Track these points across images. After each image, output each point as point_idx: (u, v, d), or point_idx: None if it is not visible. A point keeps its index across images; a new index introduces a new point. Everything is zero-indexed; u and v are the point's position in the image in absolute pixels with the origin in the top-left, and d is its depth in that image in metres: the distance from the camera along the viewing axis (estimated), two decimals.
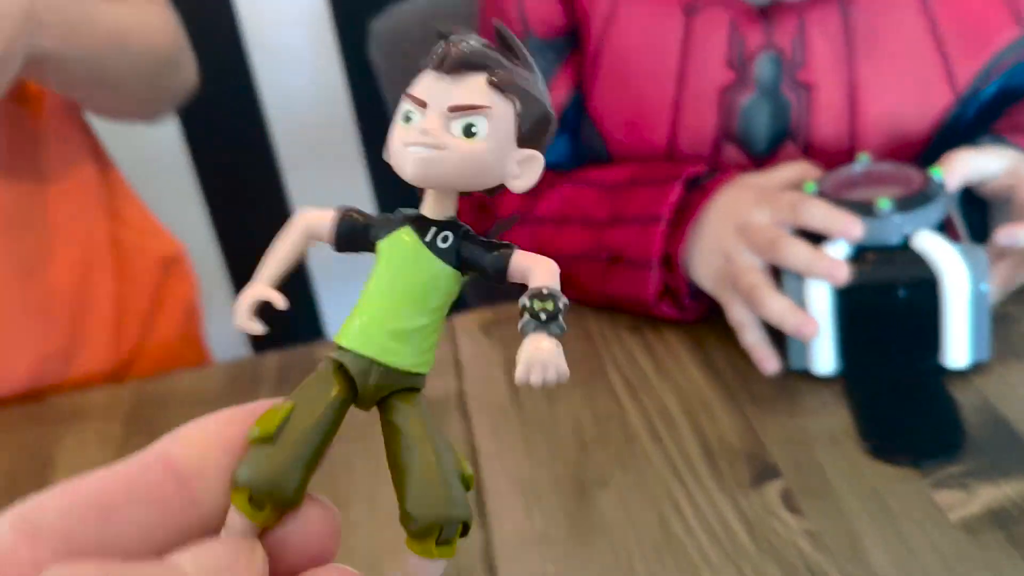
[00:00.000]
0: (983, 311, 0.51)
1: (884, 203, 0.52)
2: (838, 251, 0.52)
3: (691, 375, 0.55)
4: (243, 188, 1.27)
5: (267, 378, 0.62)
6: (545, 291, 0.21)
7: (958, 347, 0.52)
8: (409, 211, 0.23)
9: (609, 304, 0.62)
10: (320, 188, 1.25)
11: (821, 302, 0.52)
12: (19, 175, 0.66)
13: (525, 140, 0.22)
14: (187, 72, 0.72)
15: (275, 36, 1.19)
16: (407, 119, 0.21)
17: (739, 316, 0.55)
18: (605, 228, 0.62)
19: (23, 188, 0.65)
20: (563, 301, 0.21)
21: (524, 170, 0.22)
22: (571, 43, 0.69)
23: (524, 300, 0.21)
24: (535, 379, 0.20)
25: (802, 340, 0.53)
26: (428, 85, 0.21)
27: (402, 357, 0.22)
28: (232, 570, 0.18)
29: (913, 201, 0.53)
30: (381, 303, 0.22)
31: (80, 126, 0.72)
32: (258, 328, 0.22)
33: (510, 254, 0.22)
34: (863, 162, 0.57)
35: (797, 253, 0.52)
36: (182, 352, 0.75)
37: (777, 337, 0.54)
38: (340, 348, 0.22)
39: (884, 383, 0.53)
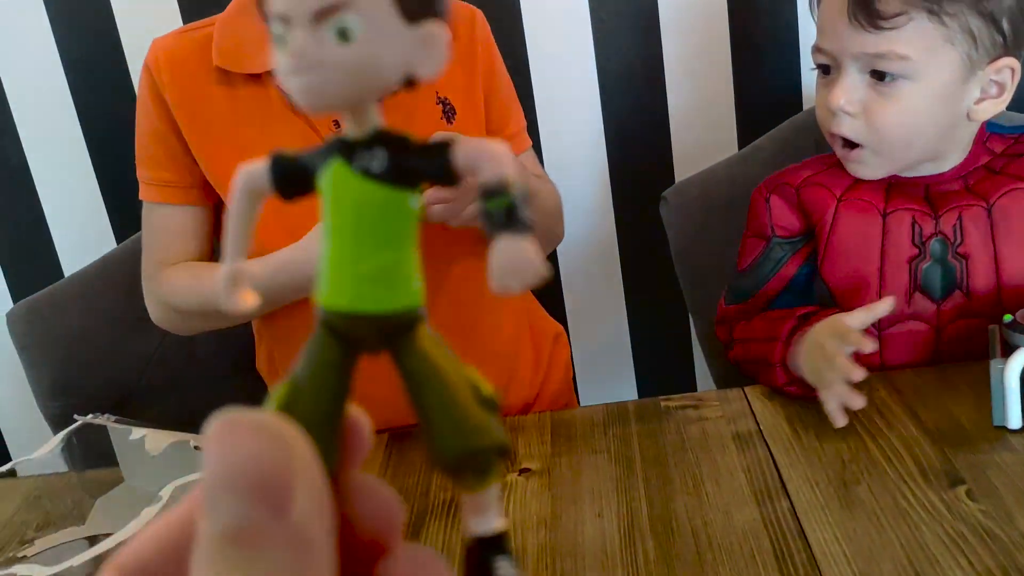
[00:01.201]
0: None
1: None
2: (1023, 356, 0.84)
3: (908, 426, 0.89)
4: None
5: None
6: (494, 185, 0.19)
7: None
8: (332, 137, 0.21)
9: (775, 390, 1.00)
10: None
11: (1014, 388, 0.84)
12: (478, 267, 1.09)
13: (413, 13, 0.19)
14: (562, 228, 1.15)
15: None
16: (281, 42, 0.19)
17: (824, 395, 0.90)
18: (763, 343, 1.00)
19: (480, 276, 1.09)
20: (516, 188, 0.19)
21: (428, 50, 0.19)
22: (804, 240, 1.08)
23: (480, 202, 0.19)
24: (515, 286, 0.19)
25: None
26: None
27: (381, 301, 0.20)
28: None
29: None
30: (340, 249, 0.20)
31: None
32: (252, 300, 0.22)
33: (450, 150, 0.20)
34: None
35: (837, 362, 0.88)
36: (562, 393, 1.16)
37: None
38: (324, 309, 0.20)
39: None
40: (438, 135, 0.20)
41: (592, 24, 1.44)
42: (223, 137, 1.02)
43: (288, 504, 0.17)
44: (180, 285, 1.05)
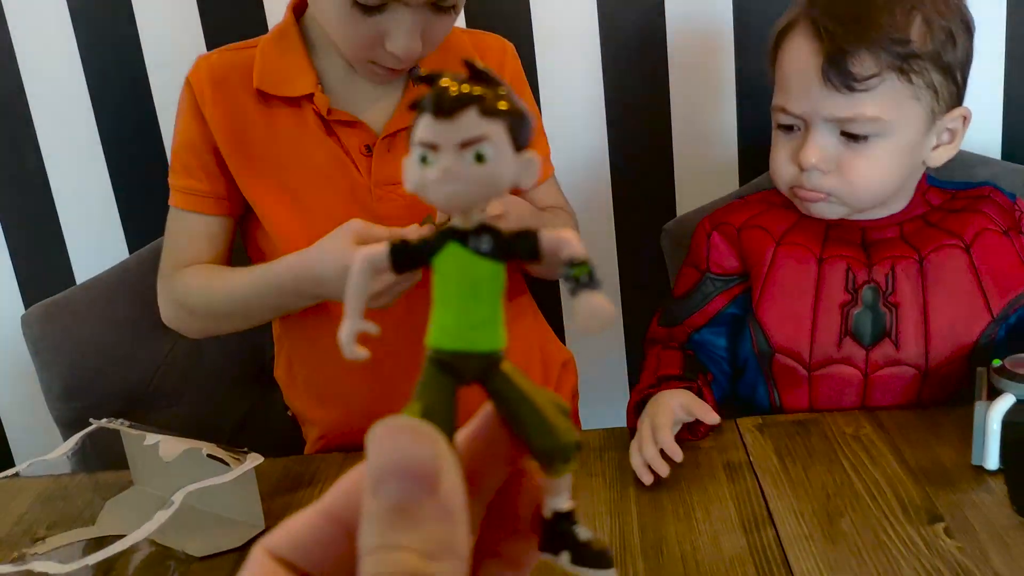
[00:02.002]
0: None
1: None
2: (1008, 401, 0.87)
3: (893, 465, 0.92)
4: None
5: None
6: (578, 259, 0.26)
7: None
8: (444, 228, 0.27)
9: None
10: None
11: (994, 431, 0.88)
12: None
13: (519, 146, 0.27)
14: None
15: None
16: (423, 160, 0.26)
17: (639, 452, 0.94)
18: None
19: None
20: (591, 261, 0.26)
21: (526, 171, 0.27)
22: (738, 280, 1.12)
23: (565, 271, 0.26)
24: (596, 330, 0.25)
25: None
26: (433, 128, 0.26)
27: (485, 342, 0.26)
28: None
29: None
30: (455, 306, 0.27)
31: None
32: (364, 353, 0.28)
33: (537, 236, 0.27)
34: None
35: (662, 436, 0.94)
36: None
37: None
38: (435, 349, 0.27)
39: None
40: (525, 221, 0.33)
41: (602, 58, 1.49)
42: (260, 155, 1.07)
43: (437, 485, 0.23)
44: (193, 285, 1.09)
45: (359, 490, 0.25)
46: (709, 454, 0.98)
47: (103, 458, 1.15)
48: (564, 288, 0.28)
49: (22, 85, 1.55)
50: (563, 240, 0.27)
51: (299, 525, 0.26)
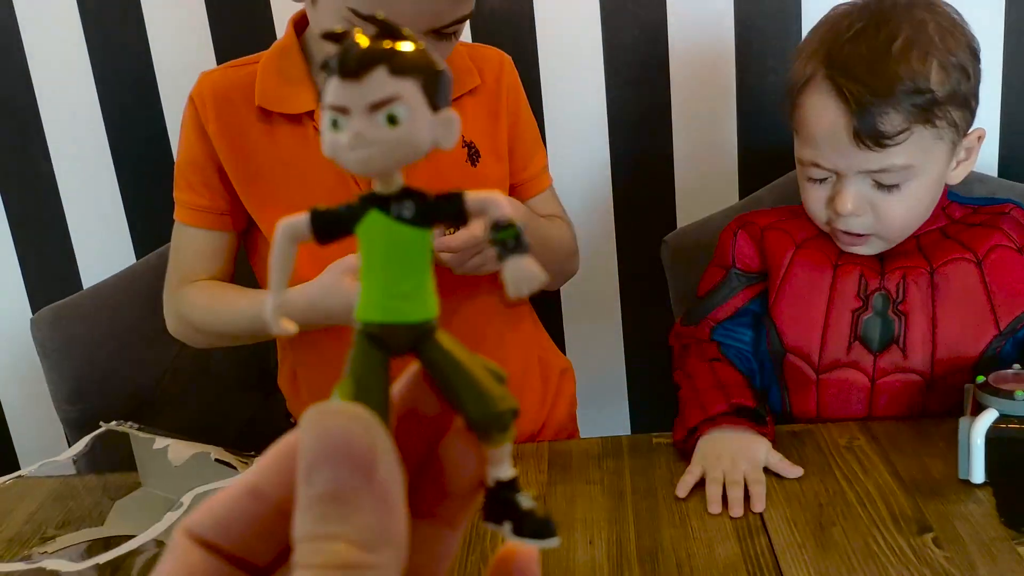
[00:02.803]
0: None
1: (1020, 393, 0.90)
2: (991, 416, 0.90)
3: (884, 476, 0.95)
4: None
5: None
6: (503, 222, 0.26)
7: None
8: (366, 195, 0.26)
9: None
10: None
11: (978, 445, 0.90)
12: (482, 307, 1.14)
13: (436, 105, 0.25)
14: (576, 263, 1.20)
15: None
16: (334, 124, 0.25)
17: (718, 487, 0.94)
18: (695, 397, 1.07)
19: (493, 312, 1.14)
20: (518, 223, 0.26)
21: (446, 131, 0.26)
22: (760, 278, 1.16)
23: (491, 235, 0.26)
24: (525, 292, 0.25)
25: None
26: (341, 91, 0.25)
27: (415, 312, 0.26)
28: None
29: None
30: (380, 276, 0.26)
31: None
32: (293, 328, 0.27)
33: (463, 197, 0.26)
34: (1015, 368, 0.95)
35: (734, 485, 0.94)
36: (566, 427, 1.22)
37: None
38: (363, 322, 0.26)
39: (1013, 491, 0.90)
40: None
41: (605, 71, 1.51)
42: (262, 172, 1.09)
43: (373, 472, 0.22)
44: (199, 304, 1.12)
45: (282, 464, 0.24)
46: None
47: (111, 460, 1.17)
48: (494, 253, 0.26)
49: (33, 91, 1.57)
50: (490, 200, 0.26)
51: (220, 503, 0.25)
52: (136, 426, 1.00)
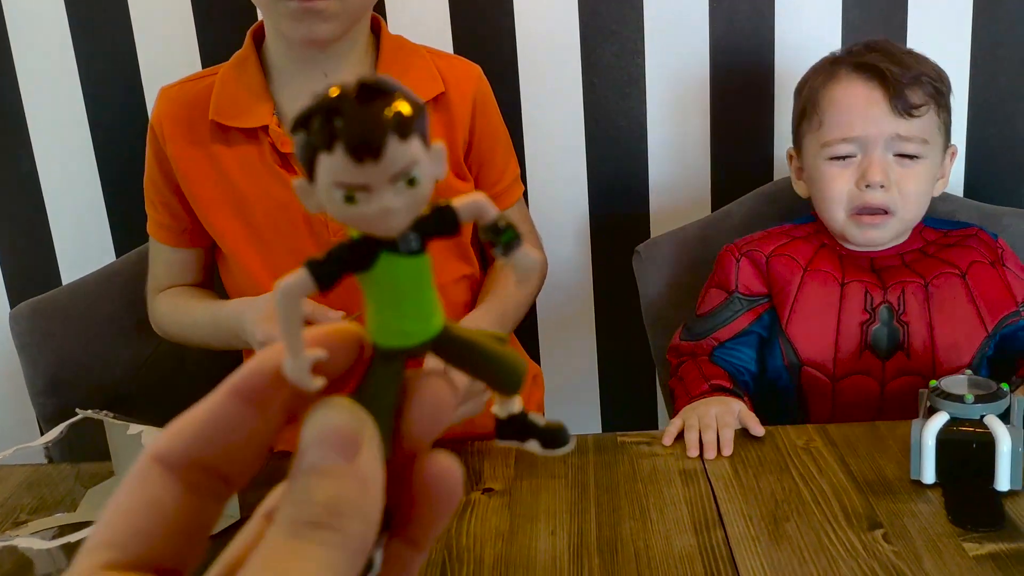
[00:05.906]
0: (1018, 461, 0.91)
1: (969, 397, 0.94)
2: (942, 419, 0.93)
3: (839, 476, 0.98)
4: None
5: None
6: (499, 224, 0.27)
7: (1002, 479, 0.92)
8: (365, 239, 0.26)
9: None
10: None
11: (929, 446, 0.93)
12: (461, 313, 1.16)
13: (427, 142, 0.25)
14: (544, 275, 1.23)
15: None
16: (350, 199, 0.24)
17: (695, 433, 1.06)
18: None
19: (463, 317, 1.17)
20: (512, 222, 0.27)
21: (440, 164, 0.26)
22: (761, 301, 1.25)
23: (488, 237, 0.27)
24: (532, 276, 0.35)
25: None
26: (357, 171, 0.24)
27: (432, 327, 0.27)
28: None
29: (987, 397, 0.94)
30: (397, 308, 0.27)
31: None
32: (321, 383, 0.26)
33: (452, 209, 0.27)
34: (967, 373, 0.98)
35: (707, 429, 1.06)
36: None
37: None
38: (390, 348, 0.27)
39: (961, 491, 0.93)
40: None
41: (583, 87, 1.55)
42: (219, 188, 1.11)
43: (356, 454, 0.25)
44: (166, 312, 1.20)
45: (266, 365, 0.26)
46: (667, 460, 1.03)
47: (85, 451, 1.19)
48: (496, 252, 0.28)
49: (18, 87, 1.59)
50: (479, 205, 0.27)
51: (203, 411, 0.27)
52: (111, 414, 1.01)
